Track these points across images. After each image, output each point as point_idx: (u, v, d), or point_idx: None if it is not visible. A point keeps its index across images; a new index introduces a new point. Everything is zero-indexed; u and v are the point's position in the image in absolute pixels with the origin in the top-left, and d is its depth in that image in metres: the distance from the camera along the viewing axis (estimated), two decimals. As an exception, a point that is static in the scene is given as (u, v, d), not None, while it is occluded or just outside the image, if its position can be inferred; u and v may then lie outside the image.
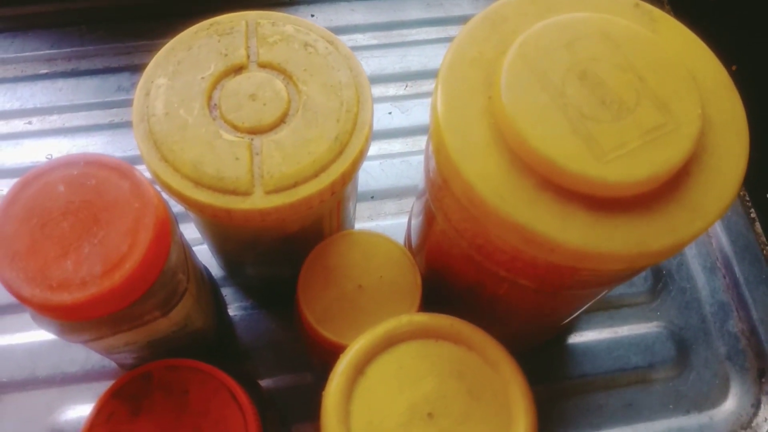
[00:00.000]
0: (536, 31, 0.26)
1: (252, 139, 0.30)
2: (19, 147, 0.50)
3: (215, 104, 0.30)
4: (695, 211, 0.24)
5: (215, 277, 0.43)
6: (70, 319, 0.27)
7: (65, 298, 0.25)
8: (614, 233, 0.24)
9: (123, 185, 0.27)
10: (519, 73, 0.26)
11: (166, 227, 0.27)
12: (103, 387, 0.41)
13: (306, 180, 0.29)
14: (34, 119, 0.51)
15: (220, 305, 0.42)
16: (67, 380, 0.42)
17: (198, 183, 0.29)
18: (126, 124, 0.51)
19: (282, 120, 0.30)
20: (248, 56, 0.32)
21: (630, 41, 0.26)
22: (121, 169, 0.27)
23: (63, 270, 0.25)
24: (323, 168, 0.30)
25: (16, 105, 0.52)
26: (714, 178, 0.25)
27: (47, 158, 0.49)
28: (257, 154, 0.29)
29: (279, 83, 0.31)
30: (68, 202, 0.26)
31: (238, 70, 0.31)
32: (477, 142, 0.26)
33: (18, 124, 0.51)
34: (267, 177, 0.29)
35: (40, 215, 0.26)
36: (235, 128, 0.30)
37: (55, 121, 0.51)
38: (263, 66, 0.31)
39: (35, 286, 0.25)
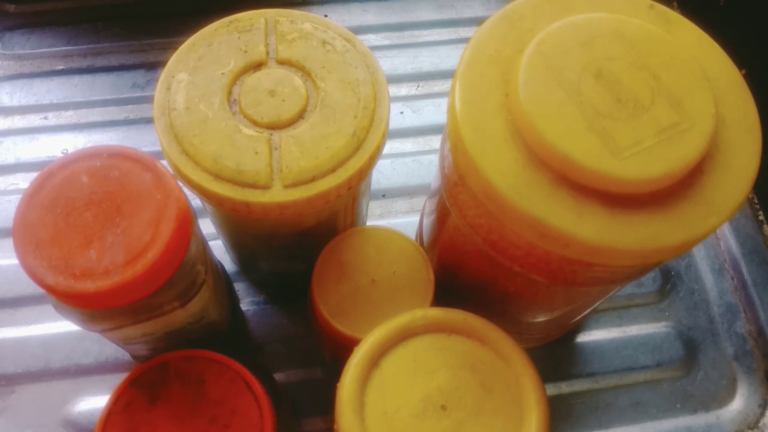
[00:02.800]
0: (553, 30, 0.27)
1: (271, 134, 0.30)
2: (35, 142, 0.50)
3: (235, 99, 0.31)
4: (709, 208, 0.25)
5: (229, 272, 0.44)
6: (92, 307, 0.27)
7: (88, 286, 0.25)
8: (629, 229, 0.24)
9: (145, 177, 0.27)
10: (536, 71, 0.26)
11: (188, 218, 0.28)
12: (117, 379, 0.42)
13: (324, 174, 0.30)
14: (50, 114, 0.52)
15: (234, 299, 0.42)
16: (81, 372, 0.43)
17: (218, 176, 0.29)
18: (141, 121, 0.52)
19: (300, 115, 0.31)
20: (267, 53, 0.32)
21: (645, 41, 0.27)
22: (143, 161, 0.28)
23: (86, 259, 0.26)
24: (341, 163, 0.30)
25: (32, 100, 0.52)
26: (727, 176, 0.25)
27: (63, 153, 0.50)
28: (276, 148, 0.30)
29: (297, 80, 0.31)
30: (92, 192, 0.27)
31: (258, 66, 0.32)
32: (494, 137, 0.26)
33: (34, 119, 0.52)
34: (286, 171, 0.29)
35: (64, 205, 0.27)
36: (255, 123, 0.30)
37: (70, 116, 0.52)
38: (282, 63, 0.32)
39: (59, 274, 0.26)
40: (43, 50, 0.55)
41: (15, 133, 0.51)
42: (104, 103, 0.52)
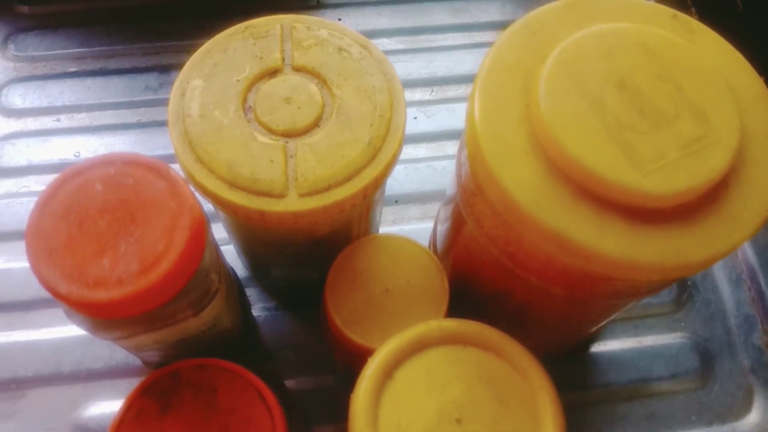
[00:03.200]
0: (575, 39, 0.26)
1: (286, 142, 0.30)
2: (47, 144, 0.50)
3: (250, 107, 0.31)
4: (733, 223, 0.24)
5: (240, 278, 0.43)
6: (105, 316, 0.27)
7: (102, 295, 0.25)
8: (652, 244, 0.24)
9: (160, 185, 0.27)
10: (557, 82, 0.26)
11: (202, 227, 0.27)
12: (128, 384, 0.42)
13: (339, 183, 0.29)
14: (62, 117, 0.52)
15: (246, 305, 0.42)
16: (92, 376, 0.42)
17: (232, 184, 0.29)
18: (153, 124, 0.51)
19: (316, 123, 0.30)
20: (283, 59, 0.32)
21: (668, 52, 0.26)
22: (157, 169, 0.27)
23: (100, 268, 0.25)
24: (356, 172, 0.30)
25: (45, 102, 0.52)
26: (752, 190, 0.25)
27: (75, 156, 0.50)
28: (291, 156, 0.30)
29: (313, 87, 0.31)
30: (105, 200, 0.27)
31: (273, 73, 0.31)
32: (514, 149, 0.26)
33: (47, 122, 0.51)
34: (301, 180, 0.29)
35: (77, 213, 0.26)
36: (270, 131, 0.30)
37: (83, 119, 0.52)
38: (298, 69, 0.32)
39: (72, 282, 0.25)
40: (56, 52, 0.55)
41: (27, 135, 0.51)
42: (117, 105, 0.52)
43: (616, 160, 0.24)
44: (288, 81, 0.31)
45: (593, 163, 0.24)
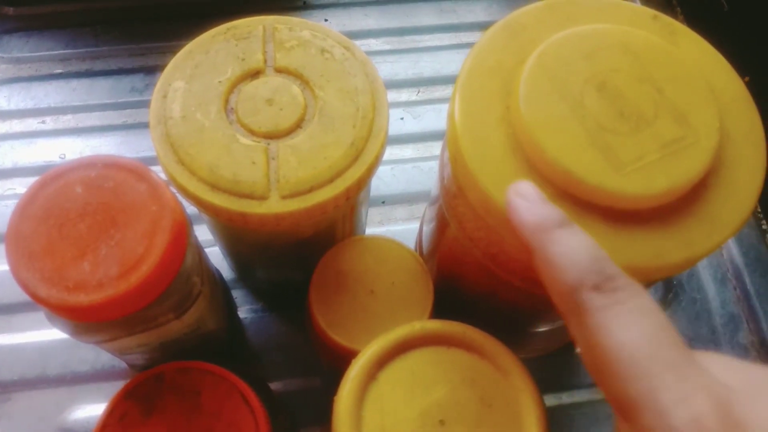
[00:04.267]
0: (556, 41, 0.26)
1: (268, 144, 0.30)
2: (32, 146, 0.50)
3: (232, 108, 0.31)
4: (712, 225, 0.24)
5: (226, 280, 0.43)
6: (85, 320, 0.27)
7: (81, 299, 0.25)
8: (631, 245, 0.24)
9: (140, 188, 0.27)
10: (538, 83, 0.26)
11: (183, 230, 0.27)
12: (113, 387, 0.42)
13: (321, 185, 0.29)
14: (47, 119, 0.51)
15: (232, 307, 0.42)
16: (78, 379, 0.42)
17: (214, 186, 0.29)
18: (139, 125, 0.51)
19: (298, 125, 0.30)
20: (265, 61, 0.32)
21: (649, 53, 0.27)
22: (138, 172, 0.27)
23: (79, 271, 0.25)
24: (339, 173, 0.30)
25: (30, 104, 0.52)
26: (731, 192, 0.25)
27: (60, 158, 0.49)
28: (273, 158, 0.29)
29: (296, 88, 0.31)
30: (86, 203, 0.27)
31: (255, 74, 0.31)
32: (494, 151, 0.26)
33: (32, 123, 0.51)
34: (283, 181, 0.29)
35: (57, 216, 0.26)
36: (252, 132, 0.30)
37: (68, 120, 0.51)
38: (280, 71, 0.32)
39: (51, 286, 0.25)
40: (41, 53, 0.54)
41: (12, 138, 0.50)
42: (102, 107, 0.52)
43: (595, 162, 0.24)
44: (270, 82, 0.31)
45: (573, 166, 0.24)
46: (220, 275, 0.41)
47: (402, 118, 0.52)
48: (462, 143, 0.26)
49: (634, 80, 0.26)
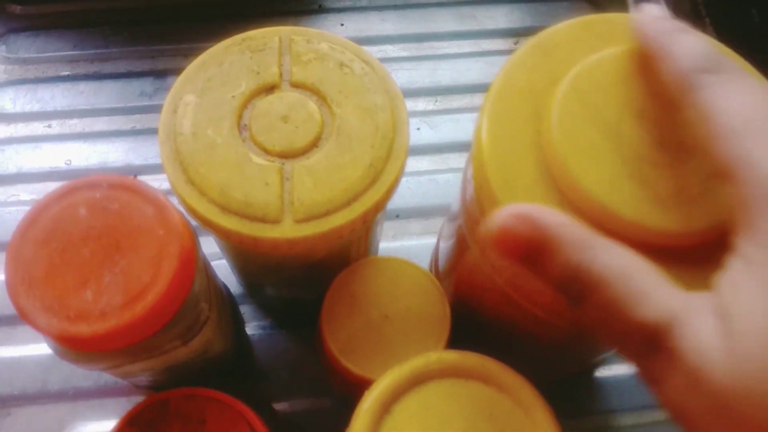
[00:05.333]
0: (591, 63, 0.25)
1: (283, 164, 0.28)
2: (38, 151, 0.49)
3: (245, 125, 0.29)
4: (757, 265, 0.23)
5: (234, 294, 0.42)
6: (87, 350, 0.26)
7: (83, 329, 0.24)
8: (670, 285, 0.22)
9: (147, 210, 0.26)
10: (571, 108, 0.24)
11: (191, 256, 0.26)
12: (117, 404, 0.40)
13: (338, 209, 0.28)
14: (54, 122, 0.50)
15: (239, 324, 0.40)
16: (80, 395, 0.41)
17: (225, 208, 0.27)
18: (148, 131, 0.50)
19: (314, 144, 0.29)
20: (281, 75, 0.30)
21: (689, 76, 0.25)
22: (145, 193, 0.26)
23: (82, 300, 0.24)
24: (356, 196, 0.28)
25: (36, 107, 0.51)
26: (778, 229, 0.23)
27: (66, 164, 0.48)
28: (288, 179, 0.28)
29: (312, 104, 0.30)
30: (89, 226, 0.25)
31: (270, 89, 0.30)
32: (523, 178, 0.24)
33: (38, 127, 0.50)
34: (297, 204, 0.28)
35: (59, 240, 0.25)
36: (266, 151, 0.28)
37: (75, 125, 0.50)
38: (296, 86, 0.30)
39: (52, 315, 0.24)
40: (48, 54, 0.53)
41: (17, 142, 0.49)
42: (111, 111, 0.51)
43: (632, 195, 0.23)
44: (285, 98, 0.30)
45: (608, 198, 0.23)
46: (228, 290, 0.39)
47: (419, 129, 0.51)
48: (489, 169, 0.24)
49: (674, 107, 0.24)
